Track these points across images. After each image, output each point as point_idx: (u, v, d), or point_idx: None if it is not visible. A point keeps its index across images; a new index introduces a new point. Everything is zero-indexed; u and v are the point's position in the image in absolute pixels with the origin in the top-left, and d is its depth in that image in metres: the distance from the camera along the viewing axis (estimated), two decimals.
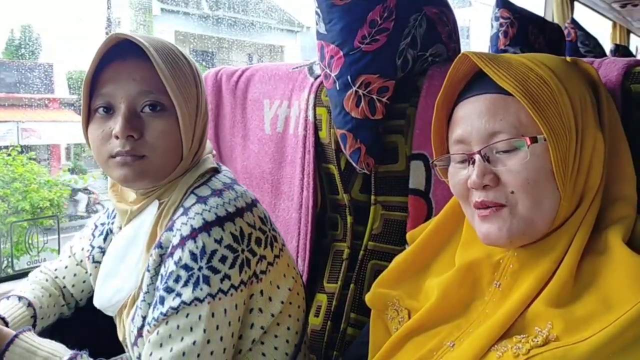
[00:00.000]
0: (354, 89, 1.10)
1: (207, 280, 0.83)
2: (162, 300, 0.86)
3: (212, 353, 0.84)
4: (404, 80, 1.13)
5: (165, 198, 0.95)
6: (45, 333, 1.12)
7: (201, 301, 0.83)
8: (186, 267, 0.84)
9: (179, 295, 0.84)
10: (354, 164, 1.15)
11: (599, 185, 0.75)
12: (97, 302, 1.02)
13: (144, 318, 0.90)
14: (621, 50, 3.02)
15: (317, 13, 1.13)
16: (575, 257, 0.72)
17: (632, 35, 4.64)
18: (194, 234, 0.85)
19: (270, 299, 0.92)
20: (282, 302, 0.94)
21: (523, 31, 1.78)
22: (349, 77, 1.10)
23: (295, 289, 0.98)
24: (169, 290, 0.85)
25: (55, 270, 1.14)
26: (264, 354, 0.94)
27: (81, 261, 1.14)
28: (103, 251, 1.06)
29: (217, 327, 0.84)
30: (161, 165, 0.91)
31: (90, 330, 1.20)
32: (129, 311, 0.96)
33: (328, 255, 1.27)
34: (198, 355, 0.83)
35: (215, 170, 0.98)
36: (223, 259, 0.84)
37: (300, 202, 1.26)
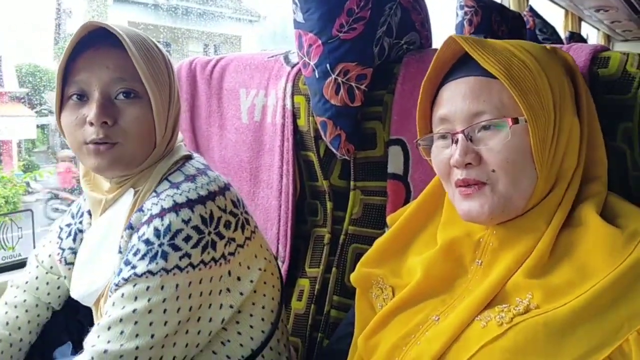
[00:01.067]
0: (333, 76, 1.12)
1: (164, 256, 0.84)
2: (119, 272, 0.87)
3: (150, 323, 0.84)
4: (381, 67, 1.16)
5: (140, 186, 0.95)
6: None
7: (153, 274, 0.84)
8: (147, 242, 0.85)
9: (133, 267, 0.85)
10: (334, 151, 1.18)
11: (575, 168, 0.79)
12: (74, 294, 1.02)
13: None
14: (576, 37, 3.14)
15: (294, 2, 1.14)
16: (553, 233, 0.76)
17: (583, 23, 4.80)
18: (162, 213, 0.86)
19: (238, 278, 0.94)
20: (252, 282, 0.95)
21: (487, 19, 1.83)
22: (327, 65, 1.12)
23: (269, 269, 1.00)
24: (127, 262, 0.86)
25: (26, 283, 1.14)
26: (239, 333, 0.96)
27: (51, 267, 1.14)
28: (74, 252, 1.06)
29: (164, 300, 0.84)
30: (134, 152, 0.92)
31: (71, 323, 1.20)
32: (106, 298, 0.96)
33: (309, 241, 1.29)
34: (135, 323, 0.83)
35: (189, 157, 0.99)
36: (187, 239, 0.86)
37: (279, 190, 1.28)
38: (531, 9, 2.45)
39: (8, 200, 4.46)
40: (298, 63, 1.22)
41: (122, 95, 0.90)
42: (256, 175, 1.33)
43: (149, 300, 0.83)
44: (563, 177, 0.79)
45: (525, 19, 2.44)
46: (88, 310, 1.10)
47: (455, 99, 0.79)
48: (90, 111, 0.89)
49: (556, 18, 4.64)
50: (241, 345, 0.95)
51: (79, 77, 0.90)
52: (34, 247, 1.36)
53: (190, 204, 0.87)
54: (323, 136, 1.18)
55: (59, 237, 1.10)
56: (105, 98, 0.90)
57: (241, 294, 0.94)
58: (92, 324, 1.14)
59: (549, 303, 0.71)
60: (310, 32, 1.13)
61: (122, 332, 0.83)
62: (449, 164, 0.79)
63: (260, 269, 0.97)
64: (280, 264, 1.28)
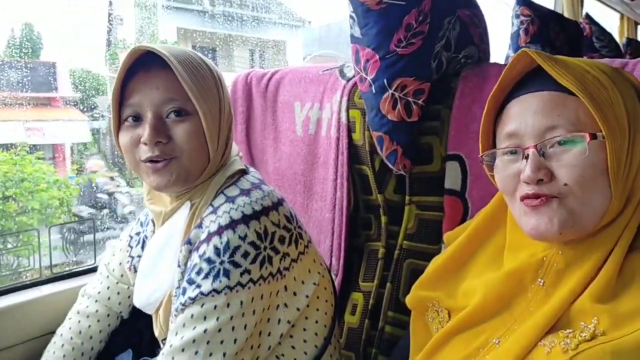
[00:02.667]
0: (390, 92, 1.12)
1: (227, 274, 0.86)
2: (183, 292, 0.89)
3: (222, 342, 0.86)
4: (439, 82, 1.15)
5: (197, 199, 0.97)
6: None
7: (218, 292, 0.86)
8: (209, 261, 0.87)
9: (198, 286, 0.87)
10: (390, 166, 1.17)
11: None
12: (137, 302, 1.05)
13: None
14: (633, 43, 3.04)
15: (351, 17, 1.15)
16: (620, 254, 0.73)
17: (639, 28, 4.64)
18: (220, 231, 0.88)
19: (295, 293, 0.95)
20: (307, 297, 0.96)
21: (544, 28, 1.79)
22: (385, 81, 1.12)
23: (322, 284, 1.01)
24: (190, 281, 0.88)
25: (98, 293, 1.18)
26: (293, 347, 0.97)
27: (121, 276, 1.17)
28: None
29: (231, 318, 0.86)
30: (190, 167, 0.94)
31: (132, 331, 1.23)
32: (166, 307, 0.99)
33: (362, 255, 1.29)
34: (208, 342, 0.85)
35: (244, 172, 1.01)
36: (245, 255, 0.87)
37: (333, 203, 1.28)
38: (587, 16, 2.38)
39: (62, 202, 4.62)
40: (353, 77, 1.22)
41: (174, 114, 0.93)
42: (310, 187, 1.34)
43: (217, 319, 0.85)
44: (635, 196, 0.76)
45: (581, 26, 2.38)
46: (147, 318, 1.13)
47: (526, 114, 0.76)
48: (145, 132, 0.91)
49: (611, 23, 4.51)
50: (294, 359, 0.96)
51: (132, 100, 0.93)
52: (95, 254, 1.41)
53: (245, 219, 0.88)
54: (379, 151, 1.17)
55: (129, 246, 1.14)
56: (157, 118, 0.92)
57: (298, 309, 0.95)
58: (151, 331, 1.17)
59: (616, 330, 0.68)
60: (368, 47, 1.13)
61: (196, 353, 0.85)
62: (517, 180, 0.77)
63: (314, 284, 0.98)
64: (333, 276, 1.28)
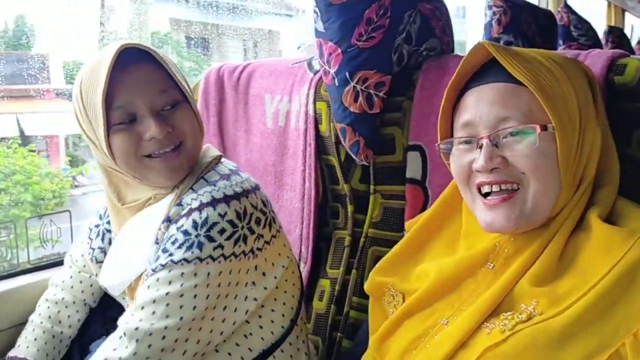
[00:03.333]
0: (352, 84, 1.15)
1: (200, 246, 0.90)
2: (156, 259, 0.93)
3: (180, 307, 0.89)
4: (400, 74, 1.18)
5: (179, 185, 1.01)
6: None
7: (188, 262, 0.90)
8: (185, 233, 0.91)
9: (170, 255, 0.91)
10: (353, 156, 1.21)
11: (592, 175, 0.80)
12: (103, 282, 1.10)
13: None
14: (615, 32, 3.05)
15: (315, 12, 1.18)
16: (561, 240, 0.77)
17: (627, 15, 4.65)
18: (200, 207, 0.92)
19: (264, 274, 0.99)
20: (276, 278, 1.01)
21: (516, 19, 1.82)
22: (347, 74, 1.15)
23: (290, 268, 1.05)
24: (164, 250, 0.93)
25: (63, 282, 1.23)
26: (261, 327, 1.01)
27: (84, 266, 1.22)
28: (104, 251, 1.13)
29: (195, 286, 0.90)
30: (194, 150, 1.00)
31: (106, 319, 1.27)
32: (137, 288, 1.02)
33: (330, 243, 1.33)
34: (167, 305, 0.89)
35: (219, 159, 1.05)
36: (222, 231, 0.91)
37: (302, 193, 1.32)
38: (566, 5, 2.41)
39: (55, 195, 4.65)
40: (320, 70, 1.25)
41: (169, 106, 0.97)
42: (280, 178, 1.37)
43: (181, 285, 0.90)
44: (582, 185, 0.79)
45: (559, 15, 2.41)
46: (120, 306, 1.17)
47: (481, 104, 0.79)
48: (148, 129, 0.94)
49: (599, 10, 4.51)
50: (262, 338, 1.00)
51: (120, 101, 0.94)
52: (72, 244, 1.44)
53: (226, 199, 0.93)
54: (343, 142, 1.21)
55: (89, 238, 1.17)
56: (154, 113, 0.95)
57: (265, 288, 0.99)
58: None
59: (551, 310, 0.72)
60: (330, 40, 1.16)
61: (154, 312, 0.89)
62: (470, 169, 0.79)
63: (283, 267, 1.03)
64: (302, 264, 1.32)
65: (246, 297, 0.98)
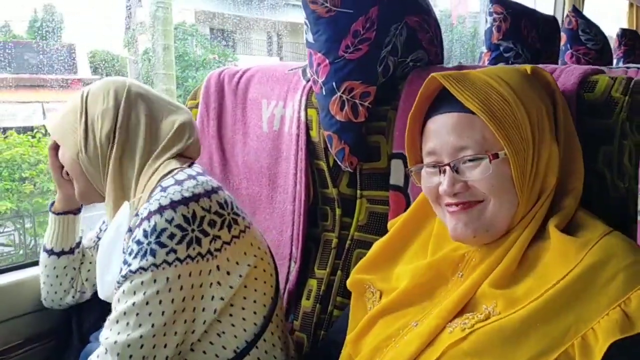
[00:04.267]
0: (339, 94, 1.20)
1: (153, 253, 0.96)
2: (120, 271, 1.00)
3: (149, 314, 0.96)
4: (386, 84, 1.23)
5: (134, 198, 1.10)
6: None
7: (145, 270, 0.96)
8: (138, 242, 0.98)
9: (128, 265, 0.98)
10: (339, 163, 1.26)
11: (552, 186, 0.85)
12: (100, 294, 1.18)
13: None
14: (628, 34, 3.03)
15: (305, 23, 1.23)
16: (521, 246, 0.82)
17: None
18: (149, 216, 0.98)
19: (228, 273, 1.04)
20: (241, 276, 1.05)
21: (515, 26, 1.84)
22: (334, 84, 1.20)
23: (261, 266, 1.10)
24: (124, 262, 0.99)
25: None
26: (233, 325, 1.06)
27: (87, 248, 1.36)
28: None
29: (157, 292, 0.96)
30: (81, 190, 1.17)
31: (104, 310, 1.35)
32: None
33: (319, 244, 1.38)
34: (137, 314, 0.96)
35: (190, 165, 1.11)
36: (171, 236, 0.97)
37: (294, 195, 1.38)
38: (574, 9, 2.41)
39: None
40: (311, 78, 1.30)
41: None
42: (274, 180, 1.43)
43: (144, 293, 0.96)
44: (542, 196, 0.85)
45: (567, 19, 2.41)
46: None
47: (441, 133, 0.85)
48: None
49: (621, 12, 4.45)
50: (235, 336, 1.06)
51: None
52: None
53: (173, 205, 0.98)
54: (330, 149, 1.26)
55: (99, 229, 1.32)
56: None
57: (231, 287, 1.04)
58: None
59: (508, 310, 0.78)
60: (319, 52, 1.21)
61: (127, 324, 0.96)
62: (438, 191, 0.86)
63: (249, 265, 1.07)
64: (293, 264, 1.38)
65: (213, 296, 1.03)
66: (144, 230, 0.97)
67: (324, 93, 1.22)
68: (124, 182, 1.11)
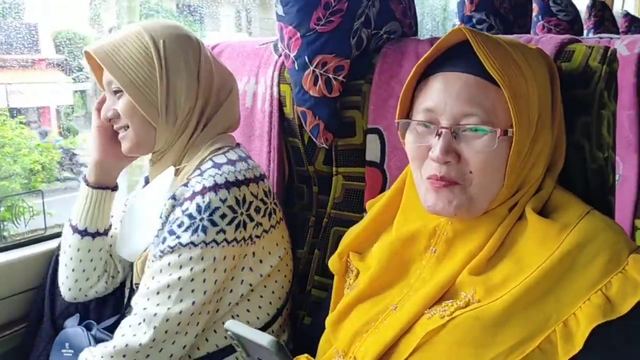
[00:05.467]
0: (312, 68, 1.17)
1: (204, 230, 0.97)
2: (163, 240, 1.00)
3: (192, 290, 0.97)
4: (360, 58, 1.20)
5: (181, 165, 1.09)
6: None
7: (195, 245, 0.97)
8: (190, 216, 0.98)
9: (178, 237, 0.98)
10: (314, 139, 1.23)
11: (538, 178, 0.82)
12: (121, 252, 1.18)
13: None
14: (597, 5, 3.03)
15: None
16: (502, 234, 0.80)
17: None
18: (203, 191, 0.98)
19: (260, 261, 1.06)
20: (271, 266, 1.07)
21: None
22: (306, 58, 1.16)
23: (285, 260, 1.12)
24: (171, 232, 0.99)
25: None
26: (248, 310, 1.08)
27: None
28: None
29: (203, 270, 0.97)
30: (137, 136, 1.08)
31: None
32: (145, 258, 1.10)
33: (296, 223, 1.36)
34: (180, 289, 0.97)
35: (237, 145, 1.12)
36: (223, 216, 0.98)
37: (268, 174, 1.35)
38: None
39: (45, 167, 4.66)
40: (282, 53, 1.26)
41: (115, 93, 1.09)
42: None
43: (191, 269, 0.97)
44: (525, 185, 0.82)
45: None
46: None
47: (447, 94, 0.78)
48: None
49: None
50: (247, 322, 1.06)
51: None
52: (45, 225, 1.48)
53: (227, 185, 0.99)
54: (304, 125, 1.23)
55: (125, 204, 1.26)
56: (110, 97, 1.10)
57: (260, 275, 1.07)
58: (101, 298, 1.26)
59: (488, 298, 0.76)
60: (290, 25, 1.17)
61: (169, 297, 0.97)
62: (425, 154, 0.80)
63: (279, 257, 1.09)
64: None
65: (242, 280, 1.05)
66: (198, 205, 0.98)
67: (297, 68, 1.18)
68: (186, 147, 1.10)
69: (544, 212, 0.80)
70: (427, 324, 0.78)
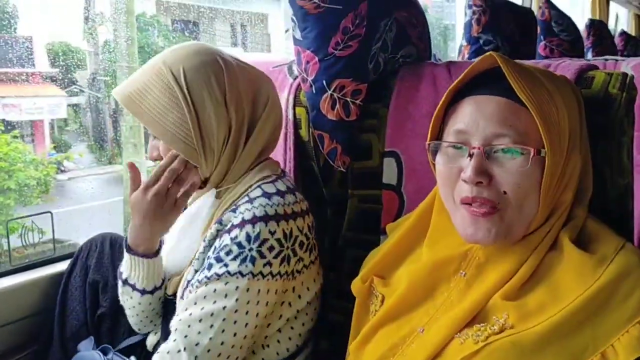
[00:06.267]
0: (329, 92, 1.17)
1: (253, 260, 0.96)
2: (209, 267, 0.98)
3: (235, 322, 0.96)
4: (377, 81, 1.21)
5: (222, 187, 1.08)
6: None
7: (243, 275, 0.96)
8: (239, 245, 0.97)
9: (226, 265, 0.97)
10: (331, 162, 1.23)
11: (569, 201, 0.83)
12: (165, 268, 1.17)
13: (189, 281, 1.03)
14: (596, 25, 3.09)
15: (292, 20, 1.19)
16: (536, 260, 0.81)
17: (611, 4, 4.68)
18: (254, 220, 0.97)
19: (299, 296, 1.06)
20: (308, 303, 1.08)
21: (495, 18, 1.84)
22: (324, 82, 1.17)
23: (317, 295, 1.12)
24: (218, 259, 0.98)
25: None
26: (278, 341, 1.07)
27: None
28: None
29: (248, 302, 0.97)
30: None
31: (92, 319, 1.31)
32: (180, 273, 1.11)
33: None
34: (224, 320, 0.96)
35: (281, 174, 1.11)
36: (271, 249, 0.97)
37: None
38: (547, 1, 2.44)
39: (40, 182, 4.63)
40: (299, 76, 1.27)
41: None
42: None
43: (236, 300, 0.96)
44: (558, 209, 0.83)
45: (541, 11, 2.44)
46: (110, 308, 1.27)
47: (478, 115, 0.80)
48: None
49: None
50: (277, 353, 1.07)
51: None
52: (54, 248, 1.47)
53: (277, 217, 0.99)
54: (320, 148, 1.23)
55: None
56: (152, 138, 1.10)
57: (297, 310, 1.07)
58: (111, 319, 1.25)
59: (522, 324, 0.76)
60: (308, 49, 1.18)
61: (211, 326, 0.96)
62: (457, 176, 0.81)
63: (315, 293, 1.10)
64: None
65: (281, 315, 1.05)
66: (247, 235, 0.97)
67: (314, 91, 1.19)
68: (229, 168, 1.08)
69: (579, 242, 0.81)
70: (460, 349, 0.78)
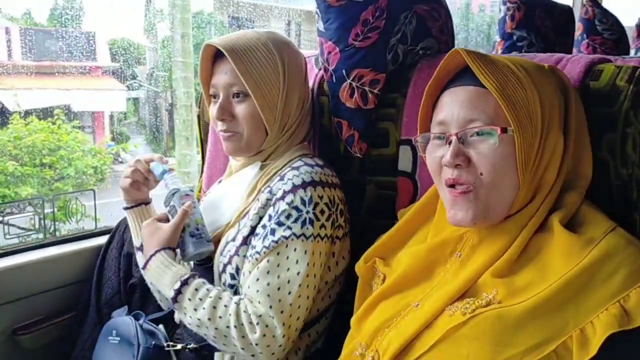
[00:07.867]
0: (348, 81, 1.23)
1: (312, 222, 1.05)
2: (272, 232, 1.06)
3: (307, 286, 1.05)
4: (396, 72, 1.25)
5: (268, 162, 1.19)
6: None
7: (307, 237, 1.05)
8: (297, 209, 1.06)
9: (289, 228, 1.05)
10: (348, 149, 1.29)
11: (554, 180, 0.87)
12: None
13: (245, 237, 1.11)
14: None
15: (316, 12, 1.25)
16: (524, 238, 0.85)
17: None
18: (304, 185, 1.07)
19: (337, 263, 1.15)
20: (335, 277, 1.16)
21: (530, 15, 1.84)
22: (344, 71, 1.23)
23: (343, 274, 1.18)
24: (280, 224, 1.06)
25: None
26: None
27: None
28: None
29: (314, 265, 1.06)
30: (249, 140, 1.16)
31: (125, 288, 1.41)
32: (220, 234, 1.18)
33: None
34: (299, 285, 1.04)
35: (314, 156, 1.21)
36: (322, 212, 1.07)
37: None
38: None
39: (97, 170, 4.87)
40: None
41: (235, 96, 1.14)
42: None
43: (307, 264, 1.05)
44: (542, 188, 0.87)
45: (584, 9, 2.40)
46: (139, 277, 1.32)
47: (454, 105, 0.88)
48: (215, 110, 1.16)
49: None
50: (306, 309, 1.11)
51: (213, 81, 1.17)
52: (95, 225, 1.59)
53: (322, 184, 1.09)
54: (340, 135, 1.29)
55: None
56: (225, 99, 1.15)
57: (326, 282, 1.14)
58: (143, 288, 1.33)
59: (510, 299, 0.80)
60: (330, 40, 1.24)
61: (289, 292, 1.04)
62: (440, 163, 0.88)
63: (343, 269, 1.17)
64: None
65: (321, 277, 1.11)
66: (302, 199, 1.06)
67: (334, 80, 1.25)
68: (278, 147, 1.20)
69: (570, 225, 0.84)
70: (449, 321, 0.83)
